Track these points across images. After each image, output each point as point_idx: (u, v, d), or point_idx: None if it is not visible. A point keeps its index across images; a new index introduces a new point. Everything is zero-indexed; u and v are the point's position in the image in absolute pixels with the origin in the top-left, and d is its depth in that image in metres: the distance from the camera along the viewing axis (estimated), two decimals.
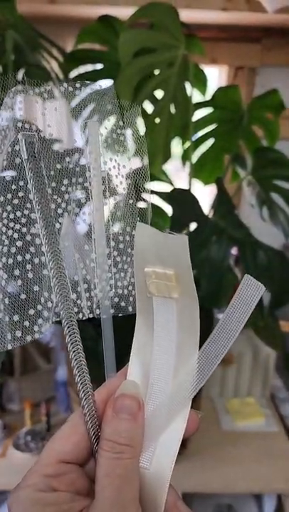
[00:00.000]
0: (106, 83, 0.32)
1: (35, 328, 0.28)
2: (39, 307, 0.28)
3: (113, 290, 0.31)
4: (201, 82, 1.09)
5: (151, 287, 0.28)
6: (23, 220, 0.29)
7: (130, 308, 0.31)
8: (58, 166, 0.30)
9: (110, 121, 0.32)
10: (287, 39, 1.46)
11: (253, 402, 1.23)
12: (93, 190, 0.31)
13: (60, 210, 0.30)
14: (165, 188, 0.99)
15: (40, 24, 1.07)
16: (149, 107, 1.03)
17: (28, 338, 0.27)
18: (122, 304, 0.31)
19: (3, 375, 1.21)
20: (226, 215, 0.88)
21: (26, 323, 0.27)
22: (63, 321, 0.27)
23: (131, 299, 0.32)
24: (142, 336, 0.29)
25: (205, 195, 1.50)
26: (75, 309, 0.29)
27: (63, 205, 0.30)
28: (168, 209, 0.90)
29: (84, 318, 0.30)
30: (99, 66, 1.09)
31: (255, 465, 1.02)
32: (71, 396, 1.14)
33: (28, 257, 0.28)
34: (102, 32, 1.04)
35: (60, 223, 0.30)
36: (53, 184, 0.30)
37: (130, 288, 0.32)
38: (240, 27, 1.43)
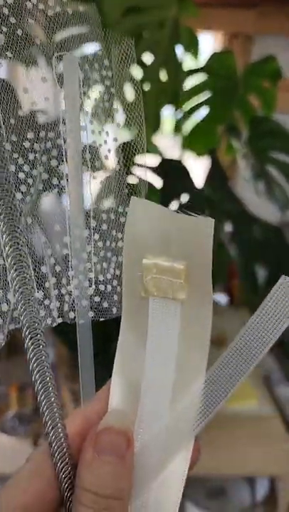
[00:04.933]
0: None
1: None
2: None
3: (93, 286, 0.24)
4: (193, 47, 1.02)
5: (149, 285, 0.21)
6: None
7: (114, 310, 0.24)
8: (21, 113, 0.22)
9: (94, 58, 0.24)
10: (285, 4, 1.39)
11: (245, 383, 1.21)
12: (68, 149, 0.23)
13: (21, 175, 0.22)
14: (154, 160, 0.94)
15: None
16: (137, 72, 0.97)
17: None
18: (105, 304, 0.24)
19: None
20: (220, 188, 0.83)
21: None
22: (24, 330, 0.20)
23: (115, 297, 0.24)
24: (129, 348, 0.22)
25: (198, 168, 1.45)
26: (42, 313, 0.22)
27: (26, 167, 0.22)
28: (156, 183, 0.85)
29: (54, 325, 0.23)
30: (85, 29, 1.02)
31: (247, 447, 1.00)
32: (58, 379, 1.11)
33: None
34: None
35: (22, 193, 0.22)
36: (13, 138, 0.22)
37: (115, 283, 0.24)
38: None
